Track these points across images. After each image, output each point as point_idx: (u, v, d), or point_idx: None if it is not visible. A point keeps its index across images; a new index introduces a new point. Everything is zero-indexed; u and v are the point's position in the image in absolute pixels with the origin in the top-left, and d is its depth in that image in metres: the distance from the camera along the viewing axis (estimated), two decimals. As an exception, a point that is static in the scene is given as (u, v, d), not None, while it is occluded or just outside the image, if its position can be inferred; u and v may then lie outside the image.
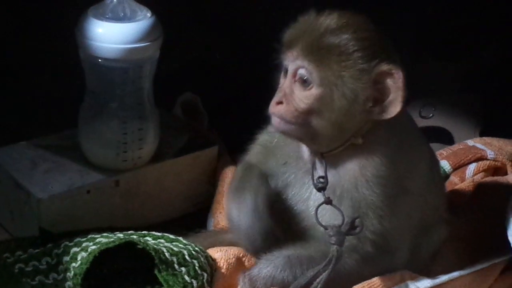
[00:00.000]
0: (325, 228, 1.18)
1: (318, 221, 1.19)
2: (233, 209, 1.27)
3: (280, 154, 1.30)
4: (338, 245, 1.16)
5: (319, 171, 1.24)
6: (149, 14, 1.42)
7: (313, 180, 1.23)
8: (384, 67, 1.16)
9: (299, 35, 1.19)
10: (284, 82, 1.21)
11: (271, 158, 1.31)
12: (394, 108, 1.17)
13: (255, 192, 1.26)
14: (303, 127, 1.20)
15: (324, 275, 1.16)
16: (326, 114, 1.18)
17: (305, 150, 1.27)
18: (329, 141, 1.21)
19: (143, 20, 1.40)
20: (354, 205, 1.21)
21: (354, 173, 1.21)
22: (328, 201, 1.20)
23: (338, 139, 1.21)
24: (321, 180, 1.22)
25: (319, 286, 1.16)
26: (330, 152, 1.23)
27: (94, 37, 1.38)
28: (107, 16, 1.40)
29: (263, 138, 1.33)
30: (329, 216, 1.21)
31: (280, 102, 1.20)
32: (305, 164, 1.27)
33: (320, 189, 1.21)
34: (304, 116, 1.19)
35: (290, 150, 1.29)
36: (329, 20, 1.18)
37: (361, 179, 1.21)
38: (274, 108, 1.21)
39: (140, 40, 1.39)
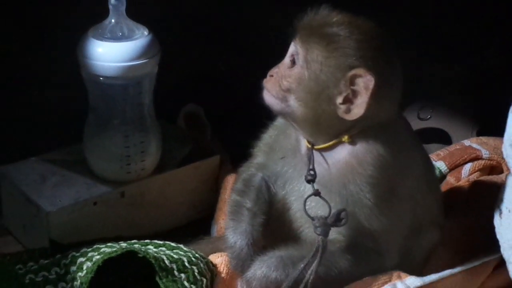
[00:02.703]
0: (312, 218, 1.22)
1: (305, 212, 1.23)
2: (229, 229, 1.32)
3: (279, 148, 1.33)
4: (323, 236, 1.20)
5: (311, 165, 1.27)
6: (146, 32, 1.45)
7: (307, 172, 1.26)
8: (360, 70, 1.19)
9: (305, 23, 1.24)
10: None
11: (272, 154, 1.34)
12: (357, 110, 1.20)
13: (252, 216, 1.31)
14: (283, 103, 1.25)
15: (314, 265, 1.20)
16: (299, 94, 1.23)
17: (303, 144, 1.30)
18: (309, 128, 1.25)
19: (140, 39, 1.44)
20: (342, 201, 1.24)
21: (343, 171, 1.25)
22: (316, 193, 1.23)
23: (317, 129, 1.25)
24: (311, 172, 1.25)
25: (310, 276, 1.20)
26: (321, 146, 1.26)
27: (94, 56, 1.42)
28: (106, 36, 1.44)
29: (267, 134, 1.37)
30: (319, 209, 1.25)
31: (272, 76, 1.27)
32: (302, 159, 1.30)
33: (309, 181, 1.25)
34: (283, 93, 1.25)
35: (289, 144, 1.32)
36: (336, 16, 1.23)
37: (348, 177, 1.24)
38: (265, 80, 1.28)
39: (138, 57, 1.42)
